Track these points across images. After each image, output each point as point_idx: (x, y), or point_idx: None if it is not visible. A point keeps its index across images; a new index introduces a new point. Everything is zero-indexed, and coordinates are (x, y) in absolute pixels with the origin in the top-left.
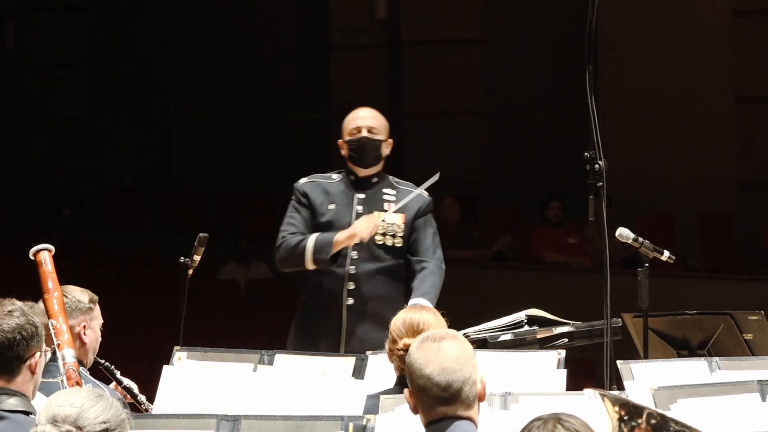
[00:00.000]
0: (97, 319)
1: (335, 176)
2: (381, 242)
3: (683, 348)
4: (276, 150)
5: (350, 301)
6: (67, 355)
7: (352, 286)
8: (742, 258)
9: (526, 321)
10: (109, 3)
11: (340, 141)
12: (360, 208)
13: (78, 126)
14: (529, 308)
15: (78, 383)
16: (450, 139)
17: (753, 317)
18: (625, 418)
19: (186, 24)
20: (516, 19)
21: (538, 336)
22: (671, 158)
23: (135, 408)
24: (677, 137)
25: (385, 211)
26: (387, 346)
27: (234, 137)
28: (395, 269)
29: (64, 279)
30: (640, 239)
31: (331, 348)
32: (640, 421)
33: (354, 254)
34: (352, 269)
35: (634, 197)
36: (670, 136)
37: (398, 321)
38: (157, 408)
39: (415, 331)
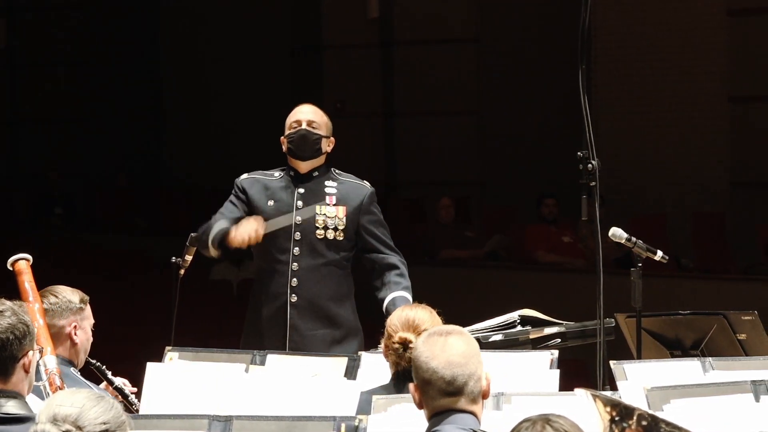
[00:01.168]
0: (88, 319)
1: (277, 173)
2: (322, 236)
3: (676, 348)
4: (269, 149)
5: (294, 298)
6: (49, 362)
7: (295, 282)
8: (735, 258)
9: (518, 321)
10: (101, 1)
11: (282, 138)
12: (300, 203)
13: (70, 125)
14: (522, 308)
15: (60, 389)
16: (443, 139)
17: (746, 317)
18: (617, 419)
19: (179, 23)
20: (510, 17)
21: (531, 336)
22: (665, 158)
23: (126, 408)
24: (671, 136)
25: (327, 204)
26: (383, 343)
27: (227, 136)
28: (339, 264)
29: (55, 279)
30: (633, 239)
31: (276, 345)
32: (630, 422)
33: (296, 250)
34: (294, 266)
35: (627, 197)
36: (664, 135)
37: (394, 318)
38: (145, 407)
39: (410, 326)
